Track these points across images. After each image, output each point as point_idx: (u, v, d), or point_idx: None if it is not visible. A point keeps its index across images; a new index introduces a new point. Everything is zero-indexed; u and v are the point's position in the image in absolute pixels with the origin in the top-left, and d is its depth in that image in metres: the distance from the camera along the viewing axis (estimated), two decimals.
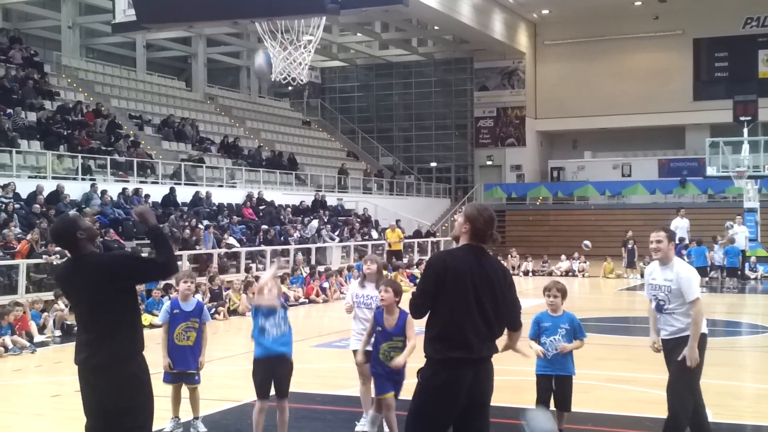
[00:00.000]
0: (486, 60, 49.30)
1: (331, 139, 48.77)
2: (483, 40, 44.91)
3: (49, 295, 17.01)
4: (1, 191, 22.28)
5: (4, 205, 21.24)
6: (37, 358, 13.38)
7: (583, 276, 30.49)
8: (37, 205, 22.23)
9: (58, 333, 15.29)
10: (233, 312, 18.86)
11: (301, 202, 33.84)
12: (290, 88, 51.85)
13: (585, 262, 31.06)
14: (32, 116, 28.80)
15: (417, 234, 37.22)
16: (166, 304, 8.63)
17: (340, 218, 34.67)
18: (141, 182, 28.69)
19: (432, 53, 50.36)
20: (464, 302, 5.36)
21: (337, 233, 31.73)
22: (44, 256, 18.47)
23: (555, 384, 7.53)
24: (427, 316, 5.52)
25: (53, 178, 25.05)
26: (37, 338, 14.42)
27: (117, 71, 38.86)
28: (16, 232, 20.10)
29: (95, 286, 5.46)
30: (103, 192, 25.21)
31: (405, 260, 28.90)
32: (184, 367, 8.08)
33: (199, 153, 34.33)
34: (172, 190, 28.10)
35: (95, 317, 5.50)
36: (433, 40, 48.97)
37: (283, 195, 33.93)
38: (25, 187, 23.43)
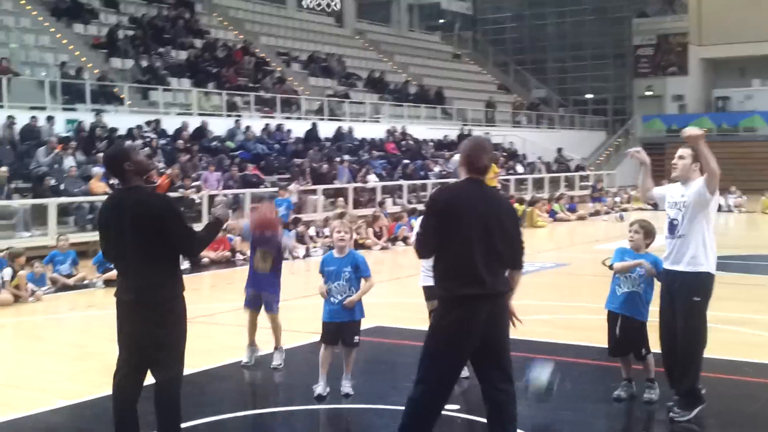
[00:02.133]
0: None
1: (481, 72, 47.96)
2: None
3: None
4: (147, 127, 23.19)
5: (148, 141, 22.09)
6: None
7: (740, 212, 28.89)
8: (181, 141, 22.99)
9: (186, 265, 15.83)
10: (360, 245, 18.88)
11: (444, 137, 33.57)
12: (442, 21, 51.72)
13: (741, 197, 29.42)
14: (183, 55, 29.71)
15: (563, 168, 36.21)
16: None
17: None
18: (285, 118, 29.19)
19: None
20: (471, 235, 5.09)
21: None
22: (180, 190, 19.14)
23: (619, 326, 6.94)
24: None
25: (199, 114, 25.80)
26: None
27: (267, 8, 39.44)
28: (159, 167, 20.87)
29: (137, 220, 5.44)
30: (247, 128, 25.84)
31: (544, 194, 28.00)
32: (261, 291, 8.05)
33: (344, 88, 34.54)
34: (314, 125, 28.45)
35: (137, 253, 5.51)
36: None
37: (428, 130, 33.74)
38: (172, 123, 24.27)
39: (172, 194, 19.11)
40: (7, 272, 12.02)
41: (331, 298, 7.19)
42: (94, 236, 16.47)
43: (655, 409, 6.81)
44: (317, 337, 7.41)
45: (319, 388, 7.16)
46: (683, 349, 6.39)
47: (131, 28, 29.56)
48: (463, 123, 36.82)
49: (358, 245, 18.41)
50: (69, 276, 13.57)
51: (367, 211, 21.55)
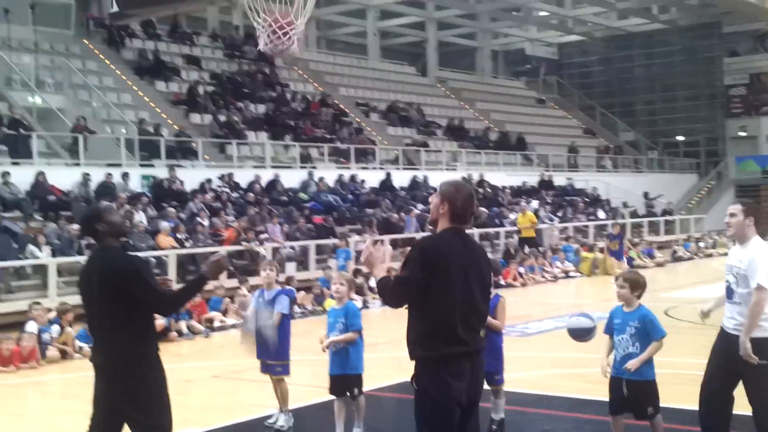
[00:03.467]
0: (735, 23, 45.80)
1: (566, 117, 47.47)
2: (731, 2, 41.66)
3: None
4: (220, 181, 23.69)
5: (219, 194, 22.56)
6: (202, 343, 14.00)
7: None
8: (251, 194, 23.38)
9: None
10: None
11: (523, 183, 33.23)
12: (527, 66, 51.57)
13: None
14: (261, 108, 30.36)
15: (650, 213, 35.33)
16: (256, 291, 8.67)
17: (566, 198, 33.69)
18: (361, 168, 29.43)
19: (675, 20, 47.50)
20: (457, 292, 4.86)
21: (559, 214, 30.86)
22: (243, 243, 19.42)
23: (626, 389, 6.61)
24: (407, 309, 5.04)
25: (272, 167, 26.22)
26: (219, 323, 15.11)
27: (347, 60, 40.06)
28: (228, 220, 21.26)
29: (102, 282, 5.47)
30: (320, 179, 26.12)
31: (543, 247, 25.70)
32: (263, 357, 8.10)
33: (423, 137, 34.65)
34: (388, 175, 28.58)
35: (102, 316, 5.54)
36: (675, 6, 46.15)
37: (507, 176, 33.46)
38: (246, 176, 24.73)
39: (236, 247, 19.45)
40: (55, 329, 12.34)
41: (332, 349, 7.51)
42: None
43: None
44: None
45: None
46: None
47: (211, 84, 30.42)
48: (544, 169, 36.43)
49: None
50: None
51: None
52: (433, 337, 4.86)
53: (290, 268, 20.11)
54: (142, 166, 23.37)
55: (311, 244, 20.83)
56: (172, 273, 18.02)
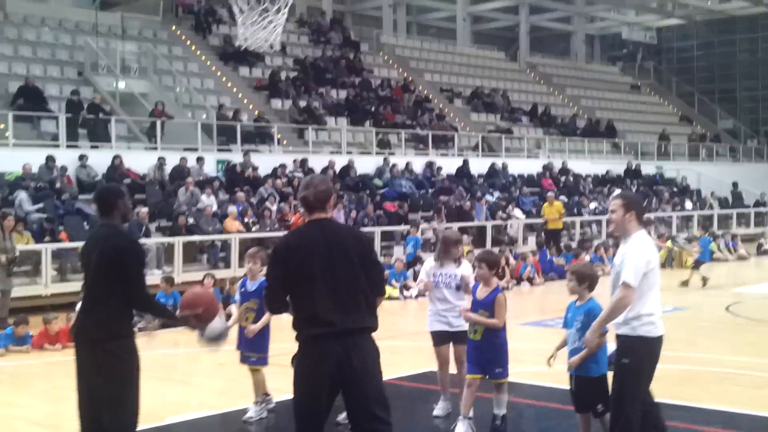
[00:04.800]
0: None
1: (662, 104, 46.16)
2: None
3: None
4: (293, 166, 24.02)
5: (291, 179, 22.87)
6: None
7: None
8: None
9: None
10: None
11: (607, 172, 32.54)
12: (624, 51, 50.33)
13: None
14: (342, 94, 30.58)
15: (738, 203, 34.01)
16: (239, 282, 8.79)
17: (655, 188, 32.84)
18: (441, 155, 29.36)
19: None
20: (314, 277, 5.13)
21: (644, 204, 30.10)
22: None
23: (574, 385, 6.58)
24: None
25: (348, 153, 26.41)
26: None
27: (435, 45, 39.92)
28: (297, 205, 21.52)
29: (100, 257, 5.63)
30: (393, 165, 26.17)
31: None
32: (242, 349, 8.23)
33: (507, 123, 34.30)
34: (465, 162, 28.41)
35: (92, 288, 5.72)
36: None
37: (592, 164, 32.85)
38: (321, 162, 24.94)
39: None
40: None
41: None
42: (223, 273, 17.33)
43: None
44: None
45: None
46: None
47: (294, 70, 30.80)
48: (633, 157, 35.58)
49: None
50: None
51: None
52: (303, 320, 5.20)
53: None
54: (219, 150, 23.90)
55: (377, 230, 20.90)
56: (235, 257, 18.40)
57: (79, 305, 6.25)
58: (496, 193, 27.11)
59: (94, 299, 5.70)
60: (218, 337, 6.16)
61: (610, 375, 6.30)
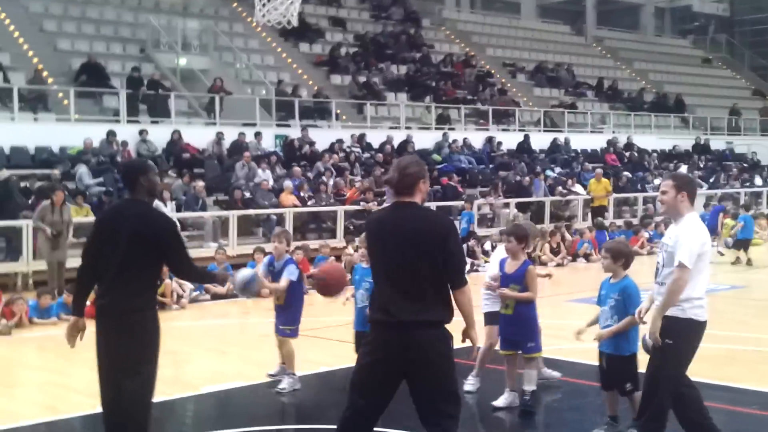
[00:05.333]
0: None
1: (734, 77, 44.90)
2: None
3: None
4: (351, 141, 23.99)
5: (348, 154, 22.86)
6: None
7: None
8: (381, 155, 23.53)
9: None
10: (533, 260, 18.32)
11: (674, 147, 31.80)
12: (695, 23, 49.00)
13: None
14: (402, 69, 30.42)
15: None
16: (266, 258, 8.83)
17: (724, 163, 32.00)
18: (502, 130, 29.04)
19: None
20: (382, 263, 5.07)
21: (712, 180, 29.38)
22: (362, 203, 19.62)
23: (605, 363, 6.46)
24: None
25: (407, 128, 26.26)
26: None
27: (498, 20, 39.41)
28: (354, 180, 21.52)
29: (135, 237, 5.64)
30: (453, 140, 25.94)
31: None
32: (276, 322, 8.29)
33: (572, 98, 33.73)
34: (526, 137, 28.02)
35: (124, 264, 5.71)
36: None
37: (658, 140, 32.13)
38: (379, 137, 24.84)
39: (354, 207, 19.67)
40: None
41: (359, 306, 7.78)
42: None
43: None
44: None
45: None
46: None
47: (355, 45, 30.72)
48: (702, 132, 34.70)
49: (533, 260, 17.88)
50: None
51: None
52: (371, 304, 5.24)
53: None
54: (278, 126, 23.99)
55: (431, 205, 20.75)
56: (289, 230, 18.46)
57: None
58: (558, 169, 26.71)
59: (123, 272, 5.72)
60: (247, 285, 6.39)
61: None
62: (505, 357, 7.54)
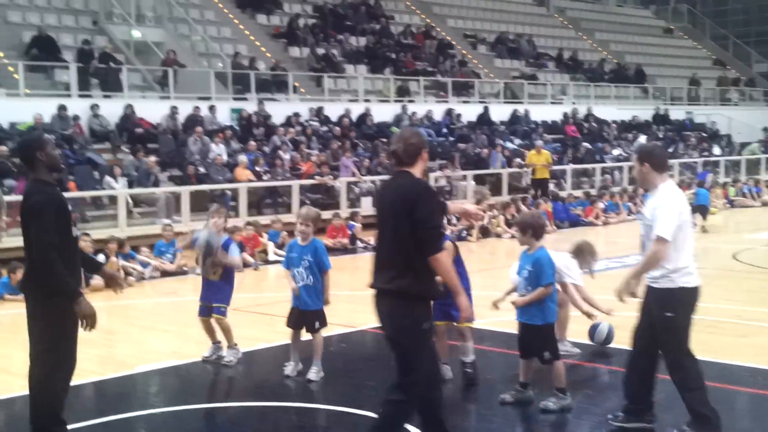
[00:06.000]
0: None
1: (696, 47, 45.08)
2: None
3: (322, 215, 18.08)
4: (309, 114, 23.79)
5: (304, 128, 22.67)
6: (251, 276, 14.05)
7: None
8: (339, 128, 23.36)
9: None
10: (488, 232, 18.33)
11: (633, 117, 31.90)
12: None
13: None
14: (362, 41, 30.17)
15: None
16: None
17: (683, 133, 32.18)
18: (463, 102, 28.95)
19: None
20: (377, 231, 5.36)
21: (671, 150, 29.52)
22: (317, 177, 19.49)
23: (520, 331, 6.63)
24: None
25: (365, 101, 26.09)
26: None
27: None
28: (311, 154, 21.35)
29: (33, 216, 5.57)
30: (413, 113, 25.83)
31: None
32: (206, 300, 8.18)
33: (532, 69, 33.69)
34: (486, 109, 27.97)
35: (25, 245, 5.70)
36: None
37: (617, 111, 32.21)
38: (337, 110, 24.67)
39: (310, 181, 19.54)
40: (101, 258, 12.76)
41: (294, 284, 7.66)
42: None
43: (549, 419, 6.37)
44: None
45: (288, 369, 7.70)
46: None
47: (313, 17, 30.40)
48: (662, 102, 34.84)
49: (487, 232, 17.95)
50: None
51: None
52: None
53: (366, 203, 20.08)
54: (235, 99, 23.71)
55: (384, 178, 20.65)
56: (243, 206, 18.34)
57: None
58: (517, 141, 26.72)
59: (29, 255, 5.68)
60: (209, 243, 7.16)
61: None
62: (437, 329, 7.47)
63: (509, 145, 25.73)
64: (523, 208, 18.51)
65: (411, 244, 4.99)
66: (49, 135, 18.80)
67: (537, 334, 6.45)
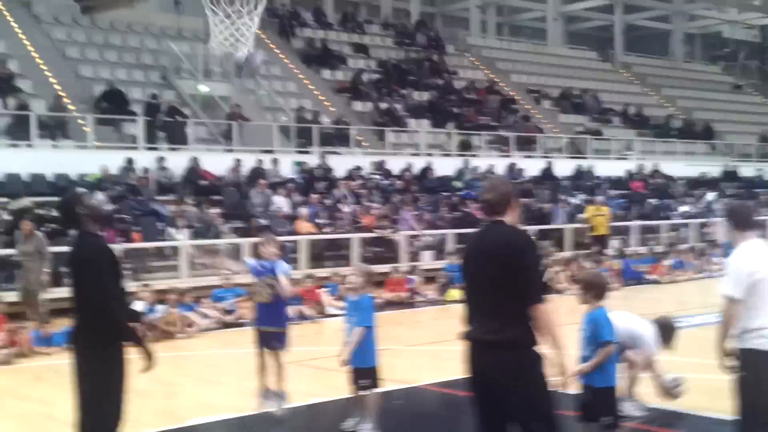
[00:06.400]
0: None
1: (765, 103, 44.23)
2: None
3: (381, 268, 18.03)
4: (371, 167, 23.85)
5: (366, 181, 22.71)
6: (311, 328, 13.97)
7: None
8: (400, 181, 23.35)
9: None
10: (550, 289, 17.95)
11: (701, 174, 31.29)
12: (725, 50, 48.53)
13: None
14: (425, 96, 30.30)
15: None
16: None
17: (754, 191, 31.42)
18: (526, 156, 28.76)
19: None
20: (468, 280, 5.14)
21: None
22: (376, 230, 19.43)
23: (581, 392, 6.32)
24: None
25: (428, 155, 26.08)
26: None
27: (524, 46, 39.23)
28: (372, 207, 21.31)
29: (75, 267, 5.67)
30: (475, 168, 25.73)
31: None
32: (260, 324, 8.07)
33: (597, 125, 33.39)
34: (549, 163, 27.73)
35: (79, 296, 5.69)
36: None
37: (685, 167, 31.61)
38: (399, 164, 24.67)
39: (371, 234, 19.47)
40: (162, 309, 12.81)
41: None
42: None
43: None
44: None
45: (347, 424, 7.60)
46: None
47: (377, 72, 30.67)
48: (730, 159, 34.16)
49: (549, 288, 17.53)
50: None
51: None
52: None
53: (426, 256, 19.96)
54: (298, 152, 23.91)
55: (449, 233, 20.52)
56: (304, 258, 18.33)
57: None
58: (581, 196, 26.36)
59: (88, 305, 5.66)
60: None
61: None
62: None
63: (572, 200, 25.41)
64: (587, 264, 18.15)
65: (516, 294, 4.85)
66: (117, 186, 19.29)
67: (597, 397, 6.18)
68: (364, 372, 7.44)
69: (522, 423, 4.86)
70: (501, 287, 4.87)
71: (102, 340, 5.57)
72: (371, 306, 7.57)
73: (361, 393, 7.51)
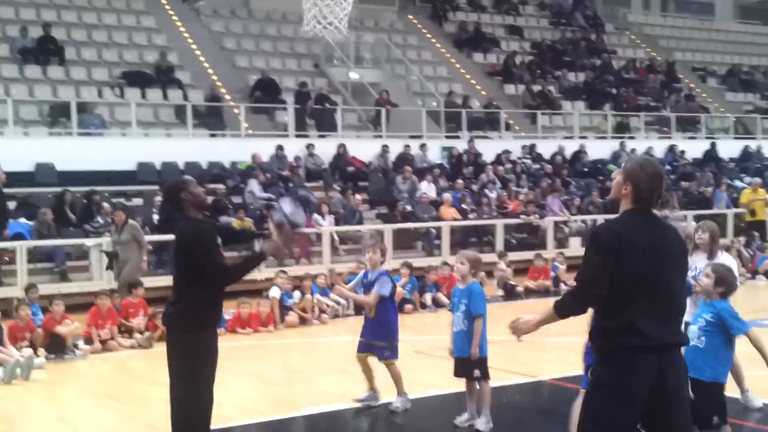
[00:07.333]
0: None
1: None
2: None
3: (526, 255, 17.72)
4: (521, 152, 23.40)
5: (514, 166, 22.30)
6: (445, 316, 13.74)
7: None
8: (550, 165, 22.79)
9: (500, 293, 15.73)
10: None
11: None
12: None
13: None
14: (581, 77, 29.45)
15: None
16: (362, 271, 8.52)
17: None
18: (689, 137, 27.51)
19: None
20: (637, 280, 4.31)
21: None
22: (522, 216, 19.03)
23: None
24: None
25: (581, 138, 25.34)
26: None
27: (689, 22, 37.42)
28: (519, 192, 20.93)
29: (175, 248, 5.80)
30: (632, 150, 24.77)
31: None
32: (367, 338, 7.98)
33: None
34: (713, 145, 26.37)
35: (174, 279, 5.83)
36: None
37: None
38: (550, 147, 24.09)
39: (515, 220, 19.11)
40: (297, 295, 13.02)
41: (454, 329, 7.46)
42: (430, 261, 17.18)
43: None
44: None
45: (459, 419, 7.48)
46: None
47: (531, 54, 30.05)
48: None
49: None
50: None
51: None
52: (612, 328, 4.37)
53: (574, 243, 19.40)
54: (447, 137, 23.75)
55: (599, 218, 19.84)
56: (446, 244, 18.19)
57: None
58: (748, 179, 24.91)
59: (175, 290, 5.84)
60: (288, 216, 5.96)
61: None
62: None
63: (738, 183, 24.06)
64: (745, 252, 17.14)
65: (684, 295, 4.57)
66: (267, 173, 19.75)
67: (704, 392, 5.66)
68: (474, 362, 7.21)
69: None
70: (681, 288, 4.50)
71: (195, 325, 5.65)
72: (482, 293, 7.34)
73: (475, 384, 7.32)
